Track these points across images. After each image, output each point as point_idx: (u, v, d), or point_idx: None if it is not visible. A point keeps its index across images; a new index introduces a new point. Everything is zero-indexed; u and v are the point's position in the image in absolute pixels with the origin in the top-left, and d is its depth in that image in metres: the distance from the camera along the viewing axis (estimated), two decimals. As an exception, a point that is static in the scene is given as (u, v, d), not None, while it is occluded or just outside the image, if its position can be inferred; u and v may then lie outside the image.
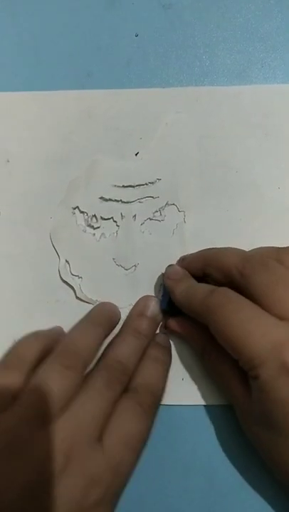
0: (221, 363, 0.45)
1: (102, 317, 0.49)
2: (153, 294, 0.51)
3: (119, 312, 0.50)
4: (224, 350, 0.42)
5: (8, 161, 0.54)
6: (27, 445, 0.38)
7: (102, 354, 0.46)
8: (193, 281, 0.48)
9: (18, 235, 0.53)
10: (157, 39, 0.57)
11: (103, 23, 0.58)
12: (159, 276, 0.52)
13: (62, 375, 0.41)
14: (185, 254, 0.52)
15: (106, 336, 0.47)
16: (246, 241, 0.51)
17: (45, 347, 0.46)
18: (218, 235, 0.52)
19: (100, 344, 0.46)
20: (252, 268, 0.42)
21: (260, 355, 0.38)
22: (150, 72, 0.56)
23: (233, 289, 0.43)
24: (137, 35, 0.57)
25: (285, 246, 0.45)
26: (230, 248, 0.48)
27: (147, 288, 0.51)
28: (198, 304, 0.44)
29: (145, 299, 0.51)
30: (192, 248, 0.51)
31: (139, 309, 0.50)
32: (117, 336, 0.48)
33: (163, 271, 0.51)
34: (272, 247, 0.46)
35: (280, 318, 0.39)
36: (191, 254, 0.50)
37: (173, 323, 0.49)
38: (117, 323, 0.49)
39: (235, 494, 0.48)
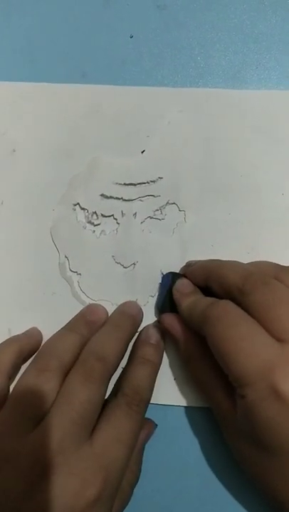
0: (208, 372, 0.45)
1: (80, 323, 0.49)
2: (151, 293, 0.51)
3: (104, 311, 0.50)
4: (213, 361, 0.42)
5: (14, 151, 0.54)
6: (15, 451, 0.38)
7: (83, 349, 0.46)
8: (200, 296, 0.47)
9: (19, 225, 0.53)
10: (152, 40, 0.57)
11: (98, 24, 0.58)
12: (158, 275, 0.52)
13: (39, 378, 0.42)
14: (185, 253, 0.52)
15: (87, 339, 0.47)
16: (248, 245, 0.52)
17: (21, 351, 0.47)
18: (220, 237, 0.52)
19: (79, 347, 0.46)
20: (251, 286, 0.42)
21: (250, 375, 0.38)
22: (145, 72, 0.56)
23: (235, 303, 0.43)
24: (131, 36, 0.57)
25: (287, 265, 0.46)
26: (232, 263, 0.47)
27: (145, 286, 0.52)
28: (198, 315, 0.44)
29: (129, 301, 0.52)
30: (192, 248, 0.52)
31: (120, 308, 0.51)
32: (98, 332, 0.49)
33: (162, 269, 0.52)
34: (273, 264, 0.46)
35: (277, 338, 0.39)
36: (196, 262, 0.50)
37: (167, 320, 0.49)
38: (102, 324, 0.49)
39: (231, 495, 0.48)
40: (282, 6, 0.58)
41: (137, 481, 0.45)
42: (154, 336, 0.49)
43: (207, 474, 0.48)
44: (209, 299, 0.45)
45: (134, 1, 0.58)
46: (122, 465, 0.41)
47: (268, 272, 0.44)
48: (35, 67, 0.57)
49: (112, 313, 0.50)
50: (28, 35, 0.57)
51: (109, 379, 0.44)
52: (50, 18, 0.58)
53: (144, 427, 0.47)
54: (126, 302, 0.51)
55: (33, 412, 0.40)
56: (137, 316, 0.50)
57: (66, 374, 0.43)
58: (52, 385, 0.42)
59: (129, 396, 0.44)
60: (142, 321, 0.50)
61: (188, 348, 0.47)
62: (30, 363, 0.45)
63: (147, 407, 0.46)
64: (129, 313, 0.49)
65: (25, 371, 0.44)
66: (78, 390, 0.41)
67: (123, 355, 0.47)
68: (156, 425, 0.49)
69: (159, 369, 0.48)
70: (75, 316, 0.50)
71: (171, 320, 0.48)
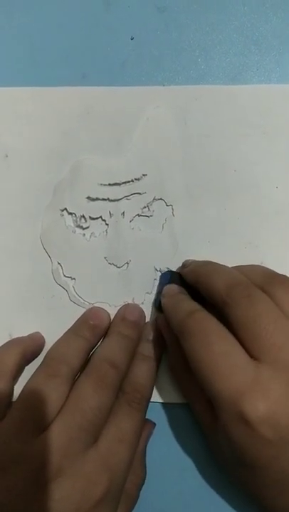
0: (190, 384, 0.45)
1: (84, 327, 0.49)
2: (147, 290, 0.51)
3: (107, 315, 0.50)
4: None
5: (6, 156, 0.54)
6: (24, 453, 0.39)
7: (90, 357, 0.47)
8: (183, 296, 0.47)
9: (16, 229, 0.53)
10: (152, 41, 0.57)
11: (99, 25, 0.57)
12: (152, 272, 0.52)
13: (49, 383, 0.42)
14: (176, 247, 0.52)
15: (92, 344, 0.48)
16: (245, 239, 0.51)
17: (24, 352, 0.48)
18: (216, 232, 0.52)
19: (86, 352, 0.47)
20: (234, 298, 0.40)
21: (221, 399, 0.37)
22: (145, 74, 0.56)
23: (221, 312, 0.42)
24: (132, 38, 0.57)
25: (280, 273, 0.44)
26: (222, 269, 0.46)
27: (140, 284, 0.51)
28: (176, 324, 0.43)
29: (130, 305, 0.51)
30: (183, 241, 0.52)
31: (122, 315, 0.50)
32: (104, 338, 0.49)
33: (155, 266, 0.52)
34: (265, 272, 0.45)
35: (254, 357, 0.38)
36: (190, 263, 0.49)
37: (160, 322, 0.48)
38: (106, 327, 0.50)
39: (230, 497, 0.48)
40: (283, 7, 0.57)
41: (143, 483, 0.46)
42: (153, 333, 0.49)
43: (208, 474, 0.49)
44: (189, 305, 0.44)
45: (134, 3, 0.58)
46: (126, 464, 0.42)
47: (256, 281, 0.43)
48: (36, 68, 0.57)
49: (114, 320, 0.50)
50: (29, 37, 0.57)
51: (119, 385, 0.44)
52: (51, 19, 0.58)
53: (144, 427, 0.48)
54: (128, 307, 0.51)
55: (42, 415, 0.41)
56: (140, 321, 0.50)
57: (74, 379, 0.44)
58: (61, 390, 0.42)
59: (130, 394, 0.44)
60: (144, 321, 0.51)
61: (174, 355, 0.47)
62: (39, 367, 0.45)
63: (148, 403, 0.46)
64: (132, 320, 0.49)
65: (34, 375, 0.44)
66: (90, 395, 0.42)
67: (131, 358, 0.47)
68: (155, 424, 0.49)
69: (158, 365, 0.48)
70: (78, 319, 0.50)
71: (163, 323, 0.48)
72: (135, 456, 0.45)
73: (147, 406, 0.46)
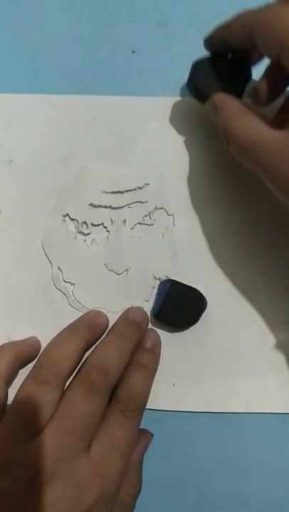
0: (254, 122, 0.45)
1: (82, 326, 0.48)
2: (145, 298, 0.52)
3: (106, 318, 0.50)
4: (255, 117, 0.44)
5: (11, 161, 0.54)
6: (16, 458, 0.39)
7: (84, 360, 0.46)
8: None
9: (18, 234, 0.53)
10: (153, 55, 0.58)
11: (101, 39, 0.58)
12: (151, 280, 0.52)
13: (39, 390, 0.42)
14: (176, 256, 0.52)
15: (88, 344, 0.47)
16: (243, 250, 0.52)
17: (17, 356, 0.47)
18: (215, 243, 0.52)
19: (80, 353, 0.46)
20: None
21: None
22: (146, 87, 0.57)
23: None
24: (133, 52, 0.58)
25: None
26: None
27: (139, 292, 0.52)
28: None
29: (134, 307, 0.51)
30: (183, 251, 0.52)
31: (125, 315, 0.50)
32: (100, 340, 0.48)
33: (155, 274, 0.52)
34: None
35: None
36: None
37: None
38: (105, 330, 0.49)
39: (227, 507, 0.48)
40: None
41: (139, 493, 0.45)
42: (150, 341, 0.49)
43: (204, 485, 0.49)
44: None
45: (136, 18, 0.59)
46: (118, 473, 0.41)
47: None
48: (39, 80, 0.57)
49: (117, 320, 0.49)
50: (31, 50, 0.58)
51: (111, 391, 0.44)
52: (53, 32, 0.58)
53: (141, 438, 0.47)
54: (131, 308, 0.50)
55: (34, 422, 0.41)
56: (142, 323, 0.49)
57: (66, 383, 0.44)
58: (51, 396, 0.42)
59: (124, 402, 0.44)
60: (147, 327, 0.50)
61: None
62: (29, 373, 0.45)
63: (143, 412, 0.45)
64: (134, 321, 0.48)
65: (24, 382, 0.44)
66: (80, 402, 0.42)
67: (126, 365, 0.46)
68: (153, 435, 0.49)
69: (154, 374, 0.48)
70: (77, 319, 0.49)
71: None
72: (131, 466, 0.45)
73: (142, 414, 0.45)
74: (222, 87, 0.48)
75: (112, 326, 0.49)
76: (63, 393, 0.43)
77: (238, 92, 0.49)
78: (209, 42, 0.50)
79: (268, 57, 0.45)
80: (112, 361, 0.44)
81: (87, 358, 0.46)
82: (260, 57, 0.48)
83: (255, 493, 0.49)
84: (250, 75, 0.50)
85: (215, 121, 0.47)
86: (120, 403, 0.44)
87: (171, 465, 0.49)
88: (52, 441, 0.39)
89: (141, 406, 0.45)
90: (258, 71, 0.48)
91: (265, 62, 0.48)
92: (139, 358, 0.47)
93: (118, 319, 0.49)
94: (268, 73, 0.47)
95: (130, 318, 0.49)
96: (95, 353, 0.46)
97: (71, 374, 0.45)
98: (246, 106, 0.46)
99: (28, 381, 0.44)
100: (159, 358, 0.49)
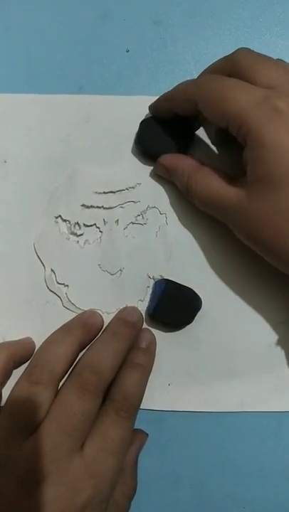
0: (210, 181, 0.47)
1: (76, 326, 0.48)
2: (140, 297, 0.51)
3: (101, 319, 0.49)
4: (211, 174, 0.47)
5: (5, 162, 0.54)
6: (10, 458, 0.39)
7: (78, 360, 0.46)
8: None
9: (12, 235, 0.53)
10: (148, 54, 0.57)
11: (95, 38, 0.58)
12: (145, 279, 0.52)
13: (33, 390, 0.42)
14: (170, 255, 0.52)
15: (82, 344, 0.47)
16: (238, 246, 0.51)
17: (11, 356, 0.47)
18: (209, 241, 0.52)
19: (74, 352, 0.46)
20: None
21: (248, 107, 0.41)
22: (141, 87, 0.56)
23: None
24: (128, 51, 0.57)
25: None
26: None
27: (134, 292, 0.52)
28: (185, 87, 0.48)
29: (128, 307, 0.51)
30: (176, 250, 0.52)
31: (119, 315, 0.49)
32: (94, 340, 0.48)
33: (149, 274, 0.52)
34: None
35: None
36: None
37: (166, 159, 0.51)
38: (99, 330, 0.49)
39: (223, 506, 0.48)
40: (276, 22, 0.58)
41: (134, 494, 0.45)
42: (145, 340, 0.48)
43: (200, 485, 0.49)
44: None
45: (130, 16, 0.58)
46: (112, 473, 0.41)
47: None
48: (33, 80, 0.57)
49: (112, 321, 0.49)
50: (26, 49, 0.58)
51: (104, 390, 0.44)
52: (47, 32, 0.58)
53: (136, 438, 0.47)
54: (126, 308, 0.50)
55: (27, 423, 0.41)
56: (137, 323, 0.49)
57: (59, 383, 0.44)
58: (45, 396, 0.42)
59: (118, 402, 0.44)
60: (142, 326, 0.50)
61: (185, 173, 0.50)
62: (23, 373, 0.45)
63: (137, 412, 0.45)
64: (129, 321, 0.48)
65: (18, 382, 0.44)
66: (73, 402, 0.42)
67: (120, 365, 0.46)
68: (148, 435, 0.49)
69: (149, 374, 0.48)
70: (72, 319, 0.49)
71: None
72: (126, 466, 0.45)
73: (136, 415, 0.45)
74: (170, 145, 0.52)
75: (107, 326, 0.49)
76: (57, 393, 0.43)
77: (186, 146, 0.52)
78: (155, 110, 0.52)
79: (216, 125, 0.47)
80: (106, 361, 0.44)
81: (81, 357, 0.46)
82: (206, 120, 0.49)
83: (251, 492, 0.48)
84: (193, 135, 0.54)
85: (171, 180, 0.51)
86: (115, 403, 0.43)
87: (167, 465, 0.49)
88: (45, 441, 0.39)
89: (135, 406, 0.45)
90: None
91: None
92: (134, 357, 0.47)
93: (112, 319, 0.49)
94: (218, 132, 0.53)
95: (124, 318, 0.48)
96: (88, 353, 0.46)
97: (65, 374, 0.45)
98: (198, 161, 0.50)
99: (21, 381, 0.44)
100: (154, 358, 0.49)
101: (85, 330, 0.47)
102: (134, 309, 0.50)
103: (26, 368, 0.45)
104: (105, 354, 0.45)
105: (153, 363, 0.49)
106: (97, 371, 0.43)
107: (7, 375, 0.47)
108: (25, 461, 0.39)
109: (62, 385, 0.44)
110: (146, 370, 0.47)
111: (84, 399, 0.42)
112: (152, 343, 0.49)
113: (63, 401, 0.42)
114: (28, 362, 0.46)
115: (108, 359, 0.44)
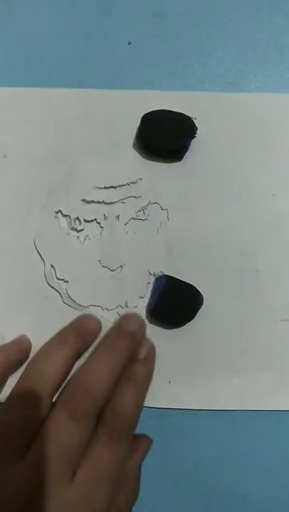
0: None
1: (71, 333, 0.44)
2: (140, 294, 0.51)
3: (98, 323, 0.44)
4: None
5: (5, 156, 0.54)
6: None
7: (72, 375, 0.42)
8: None
9: (12, 230, 0.52)
10: (149, 47, 0.57)
11: (96, 31, 0.58)
12: (146, 276, 0.51)
13: (20, 414, 0.39)
14: (171, 251, 0.52)
15: (78, 352, 0.42)
16: (239, 246, 0.52)
17: (7, 361, 0.46)
18: (210, 238, 0.52)
19: (69, 364, 0.41)
20: None
21: None
22: (142, 80, 0.56)
23: None
24: (129, 43, 0.57)
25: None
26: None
27: (134, 288, 0.51)
28: None
29: (129, 314, 0.45)
30: (178, 246, 0.52)
31: (118, 324, 0.44)
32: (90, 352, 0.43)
33: (149, 270, 0.51)
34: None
35: None
36: None
37: None
38: (97, 335, 0.44)
39: (224, 503, 0.48)
40: (279, 15, 0.58)
41: (136, 500, 0.44)
42: (143, 350, 0.43)
43: (201, 489, 0.49)
44: None
45: (132, 9, 0.58)
46: (104, 505, 0.38)
47: None
48: (33, 73, 0.56)
49: (110, 329, 0.43)
50: (26, 42, 0.57)
51: (98, 412, 0.39)
52: (48, 25, 0.58)
53: (140, 444, 0.45)
54: (126, 316, 0.44)
55: (16, 444, 0.38)
56: (137, 332, 0.43)
57: (53, 397, 0.40)
58: (32, 422, 0.38)
59: (110, 424, 0.39)
60: (144, 334, 0.44)
61: None
62: (14, 387, 0.40)
63: (133, 432, 0.40)
64: (128, 331, 0.42)
65: (7, 400, 0.40)
66: (62, 427, 0.37)
67: (116, 380, 0.40)
68: (152, 441, 0.46)
69: (147, 389, 0.42)
70: (66, 326, 0.44)
71: None
72: (130, 473, 0.42)
73: (132, 436, 0.40)
74: (172, 140, 0.52)
75: (104, 336, 0.43)
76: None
77: (187, 142, 0.52)
78: None
79: None
80: (100, 380, 0.39)
81: (74, 374, 0.41)
82: None
83: (251, 489, 0.48)
84: (195, 131, 0.53)
85: None
86: (107, 425, 0.39)
87: (167, 462, 0.49)
88: (31, 472, 0.36)
89: (130, 426, 0.40)
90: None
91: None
92: (130, 371, 0.42)
93: (111, 328, 0.44)
94: None
95: (123, 328, 0.43)
96: (81, 370, 0.41)
97: (58, 388, 0.41)
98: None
99: (12, 398, 0.40)
100: (152, 368, 0.43)
101: (80, 337, 0.43)
102: (135, 317, 0.43)
103: (18, 382, 0.41)
104: (99, 372, 0.40)
105: (151, 377, 0.43)
106: (89, 393, 0.38)
107: (4, 380, 0.46)
108: (8, 489, 0.36)
109: (54, 404, 0.40)
110: (143, 385, 0.42)
111: (74, 425, 0.37)
112: (151, 352, 0.43)
113: (51, 427, 0.38)
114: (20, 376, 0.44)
115: (102, 377, 0.39)
